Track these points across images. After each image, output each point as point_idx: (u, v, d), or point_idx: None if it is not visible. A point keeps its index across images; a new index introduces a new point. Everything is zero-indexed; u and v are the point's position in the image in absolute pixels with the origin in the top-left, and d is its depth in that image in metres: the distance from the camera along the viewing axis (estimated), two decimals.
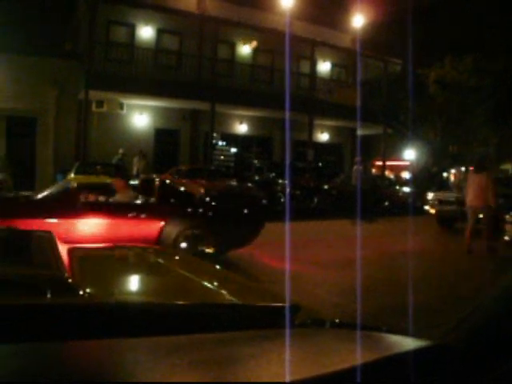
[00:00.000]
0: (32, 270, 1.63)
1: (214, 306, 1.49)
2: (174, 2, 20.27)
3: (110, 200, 7.15)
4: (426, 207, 14.03)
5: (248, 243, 7.70)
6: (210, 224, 7.19)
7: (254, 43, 22.52)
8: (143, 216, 6.77)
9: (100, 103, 19.07)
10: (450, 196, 13.64)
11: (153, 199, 7.32)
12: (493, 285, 1.02)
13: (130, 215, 6.70)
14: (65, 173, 16.21)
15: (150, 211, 6.95)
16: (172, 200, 7.46)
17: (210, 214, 7.45)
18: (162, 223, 6.77)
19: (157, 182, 7.72)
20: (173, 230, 6.81)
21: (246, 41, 22.66)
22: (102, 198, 7.13)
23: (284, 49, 19.90)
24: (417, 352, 1.00)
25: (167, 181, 8.71)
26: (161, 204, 7.24)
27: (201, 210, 7.44)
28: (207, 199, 8.18)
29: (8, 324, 1.16)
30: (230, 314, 1.42)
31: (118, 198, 7.27)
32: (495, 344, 0.92)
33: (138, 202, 7.29)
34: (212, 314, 1.37)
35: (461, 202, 11.86)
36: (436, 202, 13.74)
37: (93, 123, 19.07)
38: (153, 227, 6.71)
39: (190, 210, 7.37)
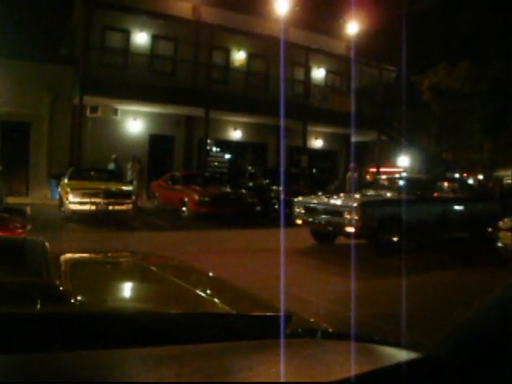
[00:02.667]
0: (21, 278, 1.61)
1: (204, 316, 1.48)
2: (169, 8, 20.31)
3: None
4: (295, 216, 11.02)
5: None
6: None
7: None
8: None
9: (94, 109, 19.08)
10: (325, 202, 10.59)
11: None
12: (484, 296, 1.01)
13: None
14: (58, 178, 16.17)
15: None
16: None
17: None
18: None
19: None
20: None
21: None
22: None
23: (279, 55, 19.98)
24: (407, 364, 0.99)
25: None
26: None
27: None
28: None
29: None
30: (221, 323, 1.40)
31: None
32: (484, 355, 0.92)
33: None
34: (202, 324, 1.36)
35: (335, 212, 9.87)
36: (303, 211, 10.78)
37: (87, 129, 19.05)
38: None
39: None
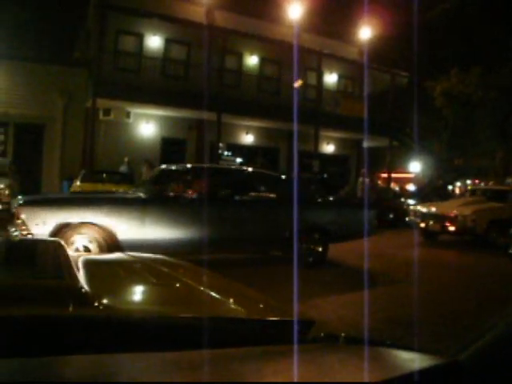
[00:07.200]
0: (45, 280, 1.63)
1: (224, 320, 1.49)
2: (182, 12, 20.36)
3: None
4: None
5: None
6: None
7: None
8: None
9: (107, 111, 19.17)
10: None
11: None
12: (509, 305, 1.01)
13: None
14: (71, 180, 16.26)
15: None
16: None
17: None
18: None
19: None
20: None
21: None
22: None
23: (291, 60, 19.97)
24: (429, 370, 1.00)
25: None
26: None
27: None
28: None
29: (20, 336, 1.16)
30: (240, 328, 1.41)
31: None
32: (509, 364, 0.92)
33: None
34: (222, 329, 1.37)
35: None
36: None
37: (100, 131, 19.14)
38: None
39: None
